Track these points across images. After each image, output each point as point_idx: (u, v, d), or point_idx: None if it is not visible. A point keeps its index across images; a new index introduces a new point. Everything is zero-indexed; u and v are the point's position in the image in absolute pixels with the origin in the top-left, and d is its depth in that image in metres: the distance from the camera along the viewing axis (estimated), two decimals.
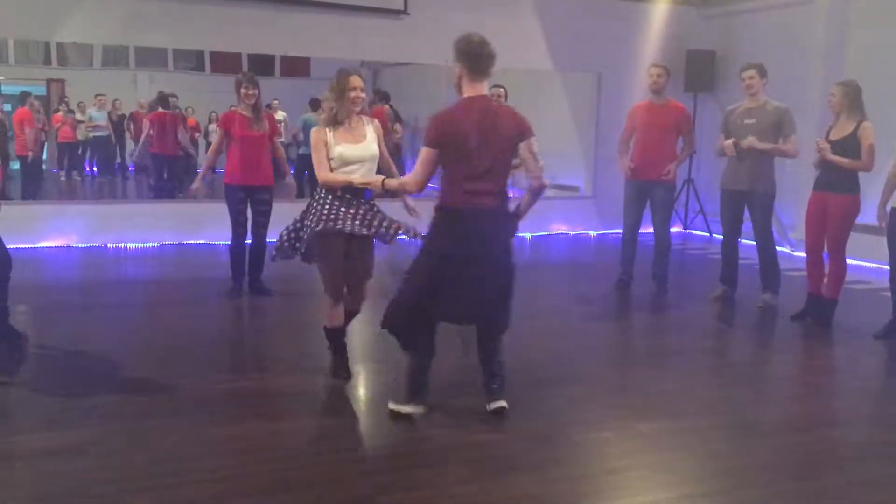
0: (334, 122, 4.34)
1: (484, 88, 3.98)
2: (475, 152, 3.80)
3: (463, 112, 3.85)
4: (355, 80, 4.33)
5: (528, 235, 10.31)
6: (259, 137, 6.25)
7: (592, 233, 10.62)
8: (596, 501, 3.25)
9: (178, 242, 8.88)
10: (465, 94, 3.92)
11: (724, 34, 10.36)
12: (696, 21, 10.55)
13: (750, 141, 6.10)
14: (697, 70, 10.28)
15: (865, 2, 8.69)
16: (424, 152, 3.87)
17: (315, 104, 12.14)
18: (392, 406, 4.00)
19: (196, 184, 6.51)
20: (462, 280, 3.86)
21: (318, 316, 5.95)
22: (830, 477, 3.55)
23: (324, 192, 4.39)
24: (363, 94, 4.43)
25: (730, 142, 6.22)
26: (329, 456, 3.55)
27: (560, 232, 10.61)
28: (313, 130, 4.39)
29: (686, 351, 5.36)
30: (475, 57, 3.99)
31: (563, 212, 10.78)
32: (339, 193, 4.33)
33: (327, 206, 4.32)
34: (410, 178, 4.00)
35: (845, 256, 5.88)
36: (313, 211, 4.36)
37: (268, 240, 6.47)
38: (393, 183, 4.18)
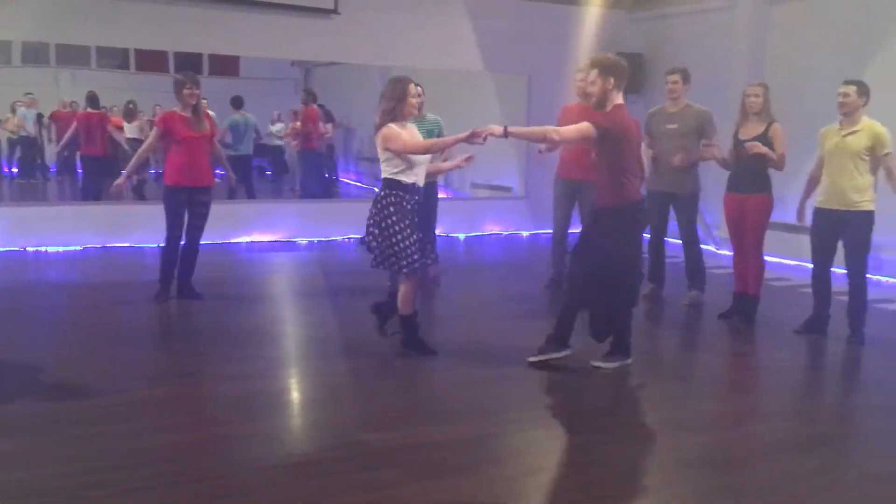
0: (392, 122, 4.77)
1: None
2: (637, 151, 4.81)
3: (628, 116, 4.71)
4: (413, 88, 4.86)
5: (461, 236, 10.37)
6: (201, 138, 6.18)
7: (525, 233, 10.74)
8: (533, 500, 3.28)
9: (102, 245, 8.62)
10: (617, 102, 4.65)
11: (651, 37, 10.60)
12: (625, 24, 10.75)
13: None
14: (629, 71, 10.45)
15: (784, 9, 9.01)
16: (586, 128, 4.58)
17: (237, 102, 11.92)
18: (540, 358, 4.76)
19: (120, 180, 6.33)
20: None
21: (250, 319, 5.90)
22: (755, 471, 3.66)
23: (394, 197, 4.80)
24: (419, 100, 5.41)
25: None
26: (265, 461, 3.50)
27: (493, 232, 10.69)
28: (387, 129, 4.74)
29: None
30: (626, 75, 4.72)
31: (496, 212, 10.88)
32: (409, 202, 4.84)
33: (408, 232, 4.83)
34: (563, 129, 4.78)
35: (763, 254, 6.09)
36: (400, 228, 4.80)
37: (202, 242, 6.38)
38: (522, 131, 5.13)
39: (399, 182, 4.82)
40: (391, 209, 4.80)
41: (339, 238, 9.77)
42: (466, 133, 4.60)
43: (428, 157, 5.01)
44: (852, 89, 5.46)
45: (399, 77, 4.93)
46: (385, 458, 3.56)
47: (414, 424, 3.97)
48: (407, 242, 4.78)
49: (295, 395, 4.49)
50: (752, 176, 5.90)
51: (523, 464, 3.60)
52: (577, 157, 6.89)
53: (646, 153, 6.65)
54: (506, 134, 4.55)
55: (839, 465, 3.71)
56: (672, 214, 6.64)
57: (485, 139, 4.56)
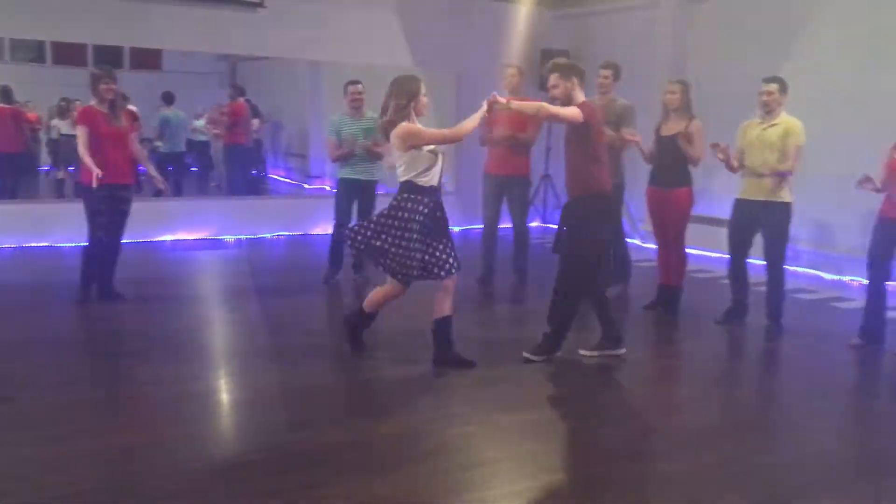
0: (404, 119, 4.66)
1: None
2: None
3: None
4: (423, 87, 4.76)
5: None
6: (121, 134, 6.00)
7: (456, 228, 10.73)
8: (464, 494, 3.28)
9: (17, 246, 8.30)
10: (581, 99, 4.85)
11: (576, 35, 10.74)
12: (551, 21, 10.88)
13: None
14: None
15: (704, 7, 9.25)
16: (576, 112, 4.72)
17: (168, 98, 11.64)
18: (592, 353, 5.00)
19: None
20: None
21: (175, 320, 5.75)
22: (679, 460, 3.76)
23: (411, 203, 4.63)
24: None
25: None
26: (189, 465, 3.42)
27: None
28: (405, 126, 4.63)
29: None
30: (584, 74, 4.94)
31: None
32: (427, 205, 4.66)
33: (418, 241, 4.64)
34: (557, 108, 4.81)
35: (685, 246, 6.25)
36: (408, 235, 4.59)
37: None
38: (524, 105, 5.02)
39: (416, 185, 4.68)
40: (406, 214, 4.63)
41: (267, 235, 9.62)
42: (484, 107, 4.76)
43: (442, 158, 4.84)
44: (775, 87, 5.66)
45: (408, 76, 4.85)
46: (311, 458, 3.52)
47: (340, 423, 3.94)
48: (412, 252, 4.62)
49: (221, 397, 4.40)
50: (673, 170, 6.05)
51: (451, 460, 3.60)
52: (505, 154, 6.95)
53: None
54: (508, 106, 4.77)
55: (759, 450, 3.83)
56: None
57: (491, 107, 4.74)
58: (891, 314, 5.43)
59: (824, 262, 7.82)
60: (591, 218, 4.88)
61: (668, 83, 6.21)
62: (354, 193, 7.01)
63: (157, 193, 6.96)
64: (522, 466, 3.55)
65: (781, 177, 5.58)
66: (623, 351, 5.11)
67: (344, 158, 6.97)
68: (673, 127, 6.07)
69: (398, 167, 4.75)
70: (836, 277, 7.71)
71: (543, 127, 8.15)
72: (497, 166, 7.03)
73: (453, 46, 10.24)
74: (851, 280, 7.47)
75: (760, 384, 5.13)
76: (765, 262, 5.86)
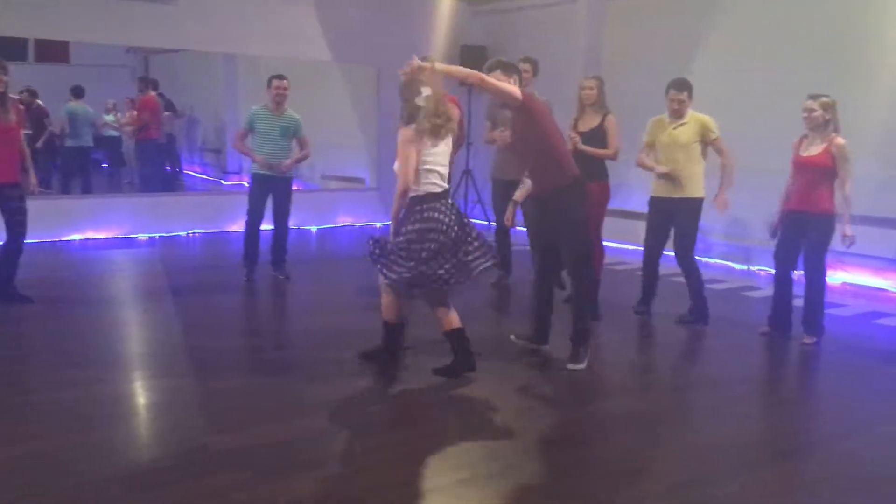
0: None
1: None
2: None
3: None
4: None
5: (313, 228, 10.21)
6: (9, 130, 5.70)
7: (378, 224, 10.71)
8: (384, 493, 3.25)
9: None
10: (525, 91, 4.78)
11: (494, 30, 10.81)
12: (469, 16, 10.92)
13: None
14: (471, 64, 10.54)
15: (620, 4, 9.43)
16: (516, 90, 4.65)
17: (77, 91, 11.20)
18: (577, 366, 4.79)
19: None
20: None
21: (85, 322, 5.53)
22: (599, 447, 3.83)
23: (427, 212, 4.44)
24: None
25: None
26: (100, 473, 3.28)
27: (346, 224, 10.60)
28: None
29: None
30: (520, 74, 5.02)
31: (349, 204, 10.79)
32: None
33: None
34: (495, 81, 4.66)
35: (602, 239, 6.36)
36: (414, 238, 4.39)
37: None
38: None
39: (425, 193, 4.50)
40: (419, 224, 4.44)
41: (182, 233, 9.37)
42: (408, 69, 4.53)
43: (443, 157, 4.57)
44: (685, 95, 5.83)
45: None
46: (230, 460, 3.44)
47: (260, 424, 3.86)
48: (413, 255, 4.39)
49: (135, 400, 4.25)
50: (589, 165, 6.12)
51: (374, 458, 3.57)
52: None
53: (488, 140, 6.80)
54: (433, 68, 4.51)
55: (674, 436, 3.93)
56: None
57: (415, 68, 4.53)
58: (797, 303, 5.64)
59: (734, 253, 8.10)
60: (574, 205, 4.82)
61: (584, 79, 6.30)
62: (269, 189, 6.88)
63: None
64: (439, 462, 3.54)
65: (729, 175, 5.81)
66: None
67: (246, 155, 6.89)
68: (589, 122, 6.16)
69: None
70: (745, 267, 8.00)
71: (472, 122, 8.15)
72: None
73: (371, 40, 10.17)
74: (760, 270, 7.75)
75: (675, 371, 5.26)
76: (676, 255, 6.00)
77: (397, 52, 10.07)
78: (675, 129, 5.85)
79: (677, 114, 5.87)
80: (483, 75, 4.61)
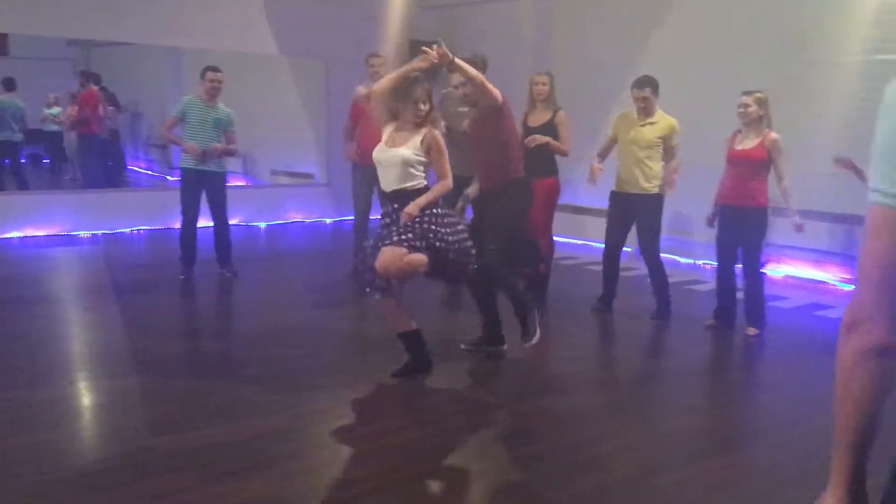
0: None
1: None
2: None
3: None
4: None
5: (262, 225, 10.09)
6: None
7: (328, 220, 10.63)
8: (336, 490, 3.22)
9: None
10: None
11: (444, 25, 10.79)
12: (419, 12, 10.88)
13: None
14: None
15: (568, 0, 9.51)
16: (498, 93, 4.74)
17: (9, 84, 10.86)
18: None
19: None
20: None
21: (24, 322, 5.37)
22: (547, 440, 3.85)
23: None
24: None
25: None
26: (37, 477, 3.19)
27: (295, 220, 10.50)
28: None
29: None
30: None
31: (298, 199, 10.69)
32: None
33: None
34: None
35: (552, 234, 6.41)
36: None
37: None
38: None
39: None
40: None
41: (126, 230, 9.17)
42: (430, 55, 4.40)
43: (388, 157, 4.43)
44: (648, 91, 5.90)
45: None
46: (175, 461, 3.37)
47: (205, 425, 3.79)
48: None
49: (78, 402, 4.14)
50: (539, 161, 6.17)
51: (322, 456, 3.54)
52: (374, 144, 6.88)
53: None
54: (452, 62, 4.48)
55: (623, 429, 3.97)
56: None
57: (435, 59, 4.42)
58: (739, 295, 5.75)
59: (680, 248, 8.23)
60: (514, 206, 4.88)
61: (536, 75, 6.32)
62: (201, 184, 6.75)
63: None
64: (389, 459, 3.52)
65: (668, 168, 5.91)
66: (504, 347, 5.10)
67: (175, 144, 6.76)
68: (540, 117, 6.19)
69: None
70: (690, 261, 8.14)
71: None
72: (368, 157, 6.94)
73: (319, 34, 10.08)
74: (705, 264, 7.90)
75: (624, 365, 5.32)
76: (642, 253, 6.08)
77: (345, 46, 10.11)
78: (642, 126, 5.92)
79: (644, 112, 5.93)
80: (483, 78, 4.68)
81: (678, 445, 3.81)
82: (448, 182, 4.37)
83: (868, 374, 1.22)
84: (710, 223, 5.80)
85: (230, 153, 6.91)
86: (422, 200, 4.25)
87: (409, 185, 4.33)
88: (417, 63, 4.44)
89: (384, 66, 6.95)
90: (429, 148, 4.33)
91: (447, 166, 4.37)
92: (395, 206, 4.33)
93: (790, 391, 4.64)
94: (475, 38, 9.85)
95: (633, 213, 6.00)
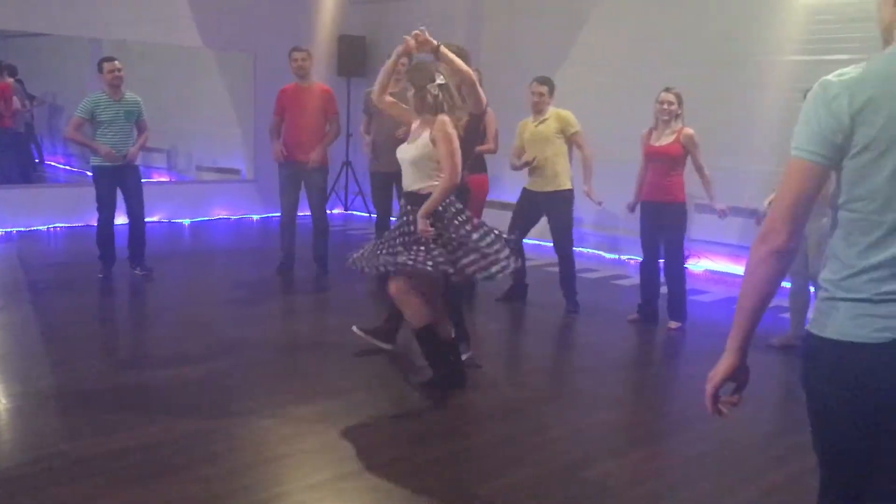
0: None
1: None
2: None
3: None
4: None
5: (186, 221, 9.85)
6: None
7: (255, 216, 10.45)
8: (256, 493, 3.15)
9: None
10: None
11: (372, 20, 10.74)
12: (347, 6, 10.79)
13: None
14: (349, 55, 10.54)
15: None
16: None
17: None
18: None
19: None
20: None
21: None
22: (474, 436, 3.87)
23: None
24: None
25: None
26: None
27: (222, 216, 10.28)
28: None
29: (345, 330, 5.19)
30: None
31: (224, 196, 10.47)
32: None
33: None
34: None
35: None
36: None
37: None
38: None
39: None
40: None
41: (42, 228, 8.83)
42: (410, 43, 4.24)
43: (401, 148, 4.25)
44: (545, 89, 6.00)
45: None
46: (91, 466, 3.25)
47: (125, 427, 3.67)
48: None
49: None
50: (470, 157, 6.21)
51: (245, 457, 3.45)
52: (306, 140, 6.81)
53: (363, 134, 6.75)
54: (436, 49, 4.18)
55: (548, 424, 4.01)
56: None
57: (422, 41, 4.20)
58: (663, 290, 5.87)
59: (605, 243, 8.39)
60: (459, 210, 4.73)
61: None
62: (116, 180, 6.54)
63: None
64: (315, 459, 3.48)
65: (588, 169, 6.01)
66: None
67: (85, 146, 6.51)
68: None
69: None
70: (615, 256, 8.29)
71: (352, 113, 8.07)
72: (293, 153, 6.86)
73: (247, 27, 9.90)
74: (629, 259, 8.05)
75: (549, 360, 5.38)
76: (555, 248, 6.17)
77: (273, 39, 9.93)
78: (536, 125, 6.04)
79: (537, 107, 6.03)
80: (473, 77, 4.32)
81: (604, 438, 3.88)
82: (451, 178, 3.99)
83: (768, 269, 1.81)
84: (630, 209, 5.93)
85: (144, 145, 6.70)
86: (426, 208, 3.97)
87: (419, 186, 4.12)
88: (400, 51, 4.25)
89: (307, 61, 6.87)
90: (434, 139, 4.03)
91: (451, 160, 3.99)
92: (409, 207, 4.14)
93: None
94: (405, 33, 9.80)
95: (543, 210, 6.13)
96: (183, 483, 3.15)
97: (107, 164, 6.47)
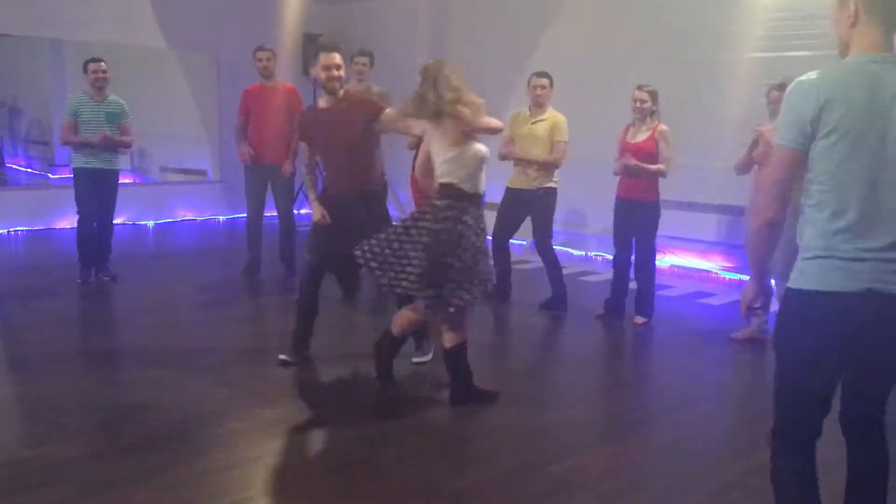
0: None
1: None
2: None
3: None
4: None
5: (150, 223, 9.74)
6: None
7: (222, 217, 10.36)
8: (227, 495, 3.12)
9: None
10: None
11: (338, 20, 10.68)
12: (312, 6, 10.72)
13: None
14: (314, 54, 10.45)
15: None
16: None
17: None
18: None
19: None
20: None
21: None
22: (439, 433, 3.87)
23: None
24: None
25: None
26: None
27: (187, 218, 10.18)
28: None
29: (315, 332, 5.01)
30: None
31: (190, 197, 10.37)
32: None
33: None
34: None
35: None
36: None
37: None
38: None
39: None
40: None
41: (2, 231, 8.67)
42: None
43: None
44: (546, 81, 5.99)
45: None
46: (54, 473, 3.21)
47: (91, 433, 3.63)
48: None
49: None
50: None
51: (216, 460, 3.42)
52: (271, 140, 6.76)
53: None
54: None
55: (517, 420, 4.01)
56: None
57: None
58: (632, 286, 5.93)
59: (573, 241, 8.44)
60: (383, 212, 4.67)
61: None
62: (96, 183, 6.46)
63: None
64: (284, 460, 3.47)
65: (545, 165, 5.98)
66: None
67: (82, 146, 6.40)
68: None
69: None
70: (583, 253, 8.36)
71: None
72: (261, 154, 6.82)
73: (209, 27, 9.80)
74: (597, 256, 8.12)
75: (516, 356, 5.40)
76: (535, 245, 6.20)
77: (237, 39, 9.84)
78: (534, 123, 6.03)
79: (539, 100, 6.01)
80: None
81: (573, 433, 3.90)
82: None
83: (763, 238, 2.36)
84: (616, 172, 5.78)
85: (125, 145, 6.62)
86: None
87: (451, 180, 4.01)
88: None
89: (272, 61, 6.83)
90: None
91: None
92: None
93: (676, 377, 4.81)
94: (370, 32, 9.80)
95: (527, 208, 6.12)
96: (153, 489, 3.12)
97: (87, 165, 6.40)
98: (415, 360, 4.73)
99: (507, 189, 6.20)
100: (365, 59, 6.55)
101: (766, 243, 2.36)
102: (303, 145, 4.77)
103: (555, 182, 6.06)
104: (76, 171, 6.51)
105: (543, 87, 6.01)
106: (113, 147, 6.48)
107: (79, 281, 6.51)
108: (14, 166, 14.14)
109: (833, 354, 2.25)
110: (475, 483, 3.30)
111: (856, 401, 2.41)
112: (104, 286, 6.54)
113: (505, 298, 6.32)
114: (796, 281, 2.28)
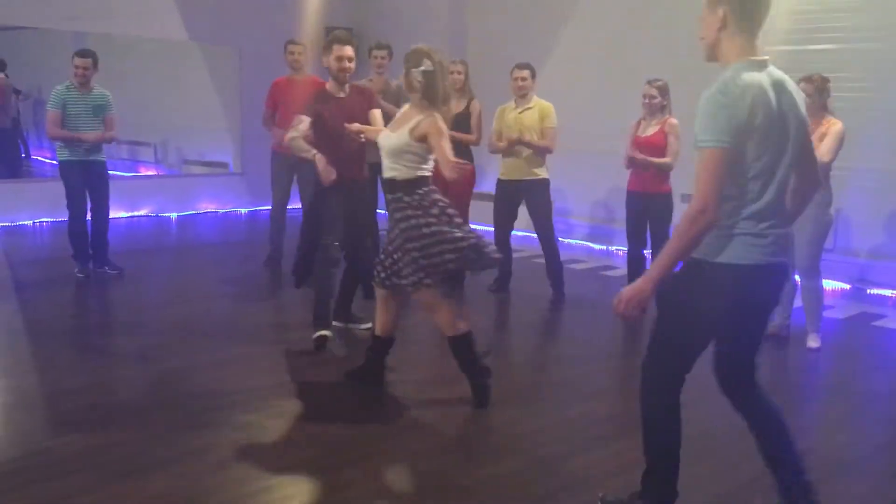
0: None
1: None
2: None
3: None
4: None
5: (173, 216, 9.82)
6: None
7: (243, 210, 10.43)
8: (242, 486, 3.16)
9: None
10: None
11: (360, 12, 10.69)
12: None
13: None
14: (328, 45, 10.47)
15: None
16: None
17: None
18: None
19: None
20: None
21: None
22: (448, 431, 3.88)
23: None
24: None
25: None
26: None
27: (209, 210, 10.26)
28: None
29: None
30: None
31: (212, 189, 10.44)
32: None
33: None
34: None
35: (469, 222, 6.46)
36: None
37: None
38: None
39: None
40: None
41: (28, 222, 8.79)
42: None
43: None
44: (527, 73, 6.01)
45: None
46: (74, 462, 3.26)
47: (110, 423, 3.68)
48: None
49: None
50: (455, 150, 6.21)
51: (230, 451, 3.44)
52: None
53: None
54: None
55: (533, 415, 4.02)
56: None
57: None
58: None
59: (595, 235, 8.40)
60: (372, 200, 4.85)
61: (451, 63, 6.33)
62: (84, 176, 6.47)
63: None
64: (302, 451, 3.49)
65: (539, 149, 6.01)
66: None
67: (68, 140, 6.42)
68: (454, 106, 6.21)
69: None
70: (604, 247, 8.32)
71: None
72: (286, 145, 6.83)
73: (232, 20, 9.85)
74: (617, 250, 8.08)
75: (534, 351, 5.39)
76: (538, 237, 6.20)
77: (259, 32, 9.89)
78: (520, 112, 6.05)
79: (520, 92, 6.03)
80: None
81: (589, 429, 3.89)
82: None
83: (701, 236, 2.42)
84: (629, 165, 5.78)
85: (108, 140, 6.59)
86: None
87: (395, 175, 4.03)
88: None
89: (303, 54, 6.87)
90: (425, 134, 3.96)
91: (445, 155, 3.94)
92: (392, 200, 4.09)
93: (692, 372, 4.76)
94: (391, 25, 9.79)
95: (523, 198, 6.16)
96: (169, 478, 3.16)
97: (73, 158, 6.40)
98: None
99: (499, 181, 6.23)
100: (384, 52, 6.55)
101: (698, 243, 2.45)
102: (305, 119, 4.77)
103: (545, 172, 6.09)
104: (63, 165, 6.46)
105: (524, 78, 6.05)
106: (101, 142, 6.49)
107: (79, 275, 6.51)
108: (39, 158, 14.30)
109: (737, 317, 2.58)
110: (489, 477, 3.30)
111: (732, 364, 2.88)
112: (124, 278, 6.58)
113: (504, 288, 6.35)
114: (711, 254, 2.47)
